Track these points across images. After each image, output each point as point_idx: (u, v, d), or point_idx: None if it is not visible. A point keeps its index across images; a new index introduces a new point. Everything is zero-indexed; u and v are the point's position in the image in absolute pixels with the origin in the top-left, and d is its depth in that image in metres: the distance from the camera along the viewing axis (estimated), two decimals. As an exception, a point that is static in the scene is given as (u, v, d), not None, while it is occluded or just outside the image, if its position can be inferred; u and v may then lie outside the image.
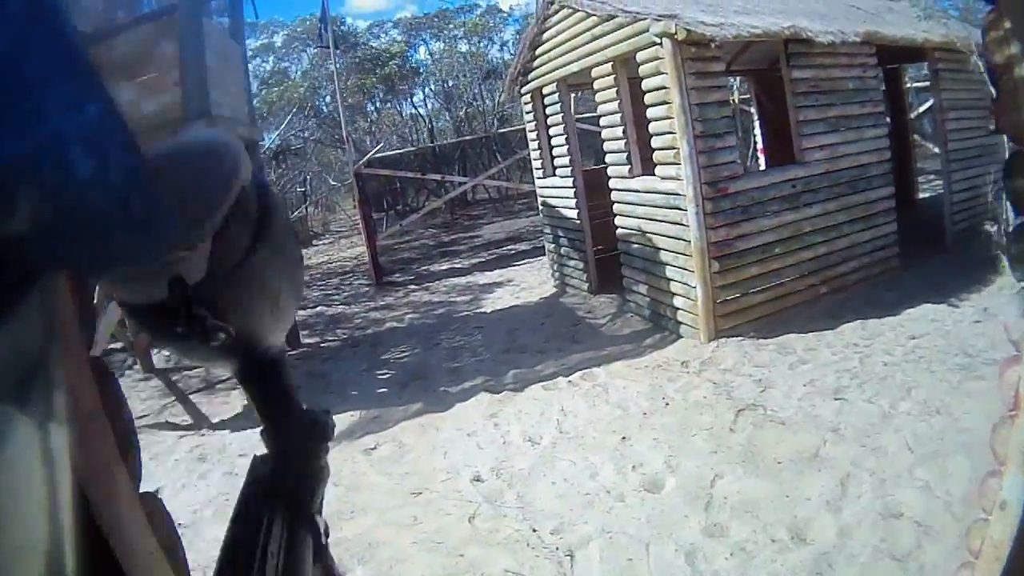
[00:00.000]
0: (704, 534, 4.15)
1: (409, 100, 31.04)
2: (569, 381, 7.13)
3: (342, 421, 6.89)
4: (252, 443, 5.86)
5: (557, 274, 11.98)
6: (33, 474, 0.29)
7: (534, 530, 4.49)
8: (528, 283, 12.84)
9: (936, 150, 11.64)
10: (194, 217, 0.69)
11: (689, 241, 7.43)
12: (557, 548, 4.26)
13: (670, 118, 7.37)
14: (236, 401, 8.06)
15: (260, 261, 0.80)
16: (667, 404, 6.14)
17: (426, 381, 8.07)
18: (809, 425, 5.25)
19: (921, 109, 15.38)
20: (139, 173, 0.33)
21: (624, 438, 5.59)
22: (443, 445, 6.09)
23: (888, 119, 9.06)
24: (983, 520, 1.42)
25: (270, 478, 0.95)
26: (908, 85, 14.91)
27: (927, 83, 12.35)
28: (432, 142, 26.21)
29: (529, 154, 12.56)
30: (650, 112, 7.74)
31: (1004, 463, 1.35)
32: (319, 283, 16.88)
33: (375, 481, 5.60)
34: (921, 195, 13.86)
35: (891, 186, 8.89)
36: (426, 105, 31.52)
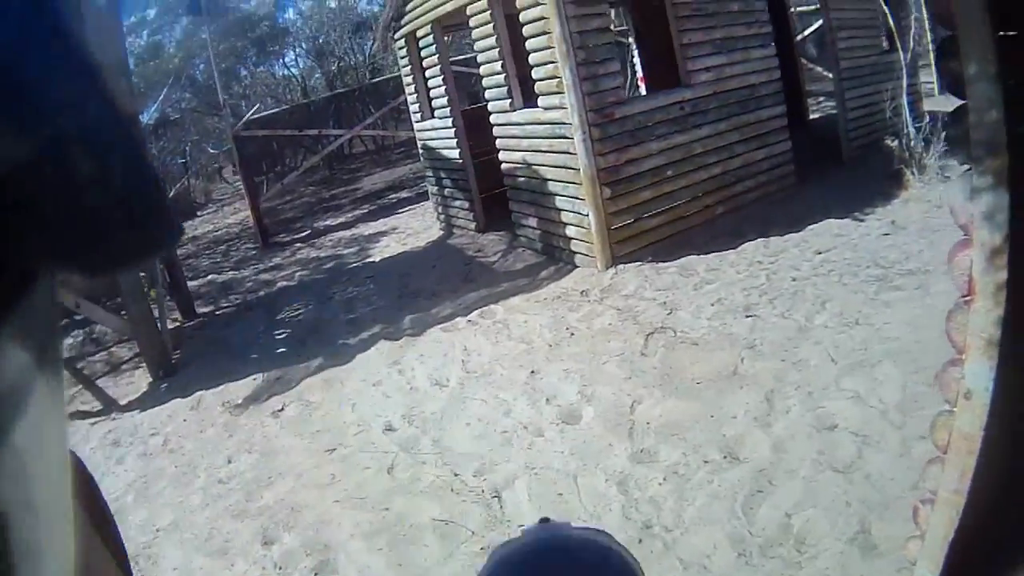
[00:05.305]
0: (632, 461, 4.10)
1: (281, 61, 30.27)
2: (468, 320, 7.07)
3: (246, 386, 6.71)
4: (161, 420, 5.75)
5: (442, 216, 11.89)
6: (31, 476, 0.28)
7: (456, 475, 4.41)
8: (413, 229, 12.74)
9: (825, 73, 11.83)
10: None
11: (578, 169, 7.40)
12: (483, 491, 4.19)
13: (551, 47, 7.28)
14: (141, 381, 7.83)
15: None
16: (572, 334, 6.13)
17: (324, 335, 7.87)
18: (723, 343, 5.25)
19: (806, 32, 15.70)
20: (141, 172, 0.31)
21: (533, 372, 5.55)
22: (350, 398, 5.95)
23: (774, 41, 9.22)
24: (947, 412, 1.39)
25: None
26: (792, 9, 15.22)
27: (813, 7, 12.51)
28: (306, 99, 25.49)
29: (405, 101, 12.43)
30: (529, 43, 7.64)
31: (964, 351, 1.32)
32: (206, 252, 16.31)
33: (288, 443, 5.44)
34: (812, 116, 14.11)
35: (782, 105, 8.99)
36: (298, 64, 30.78)
